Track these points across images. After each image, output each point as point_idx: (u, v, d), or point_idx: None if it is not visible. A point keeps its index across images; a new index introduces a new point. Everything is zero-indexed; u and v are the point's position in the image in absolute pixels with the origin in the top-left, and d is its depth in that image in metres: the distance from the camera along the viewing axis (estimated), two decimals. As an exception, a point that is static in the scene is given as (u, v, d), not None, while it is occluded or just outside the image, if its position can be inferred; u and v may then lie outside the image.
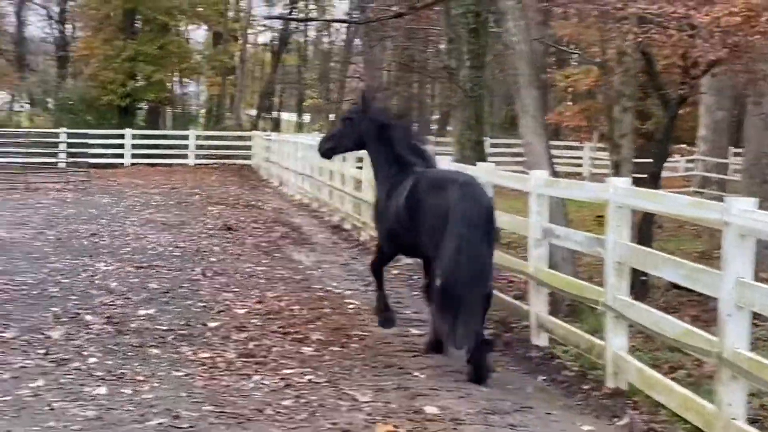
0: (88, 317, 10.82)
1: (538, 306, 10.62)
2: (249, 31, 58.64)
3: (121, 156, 43.07)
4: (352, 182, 21.45)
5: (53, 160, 40.87)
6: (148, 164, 42.31)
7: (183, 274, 14.33)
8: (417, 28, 37.37)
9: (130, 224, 20.84)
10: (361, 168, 19.99)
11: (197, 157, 44.34)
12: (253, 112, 62.85)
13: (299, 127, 64.42)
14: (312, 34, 67.71)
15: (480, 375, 8.93)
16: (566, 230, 10.50)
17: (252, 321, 11.02)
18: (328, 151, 11.53)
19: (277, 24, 61.35)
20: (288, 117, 72.53)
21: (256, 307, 11.85)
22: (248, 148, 45.17)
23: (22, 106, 62.62)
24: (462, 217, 9.10)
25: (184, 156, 44.42)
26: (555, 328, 10.27)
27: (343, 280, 14.78)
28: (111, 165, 40.79)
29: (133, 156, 43.30)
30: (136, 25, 49.48)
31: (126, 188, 31.54)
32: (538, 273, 10.55)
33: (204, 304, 11.93)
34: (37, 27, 65.91)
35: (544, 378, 9.37)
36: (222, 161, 43.86)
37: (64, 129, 42.41)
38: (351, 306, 12.31)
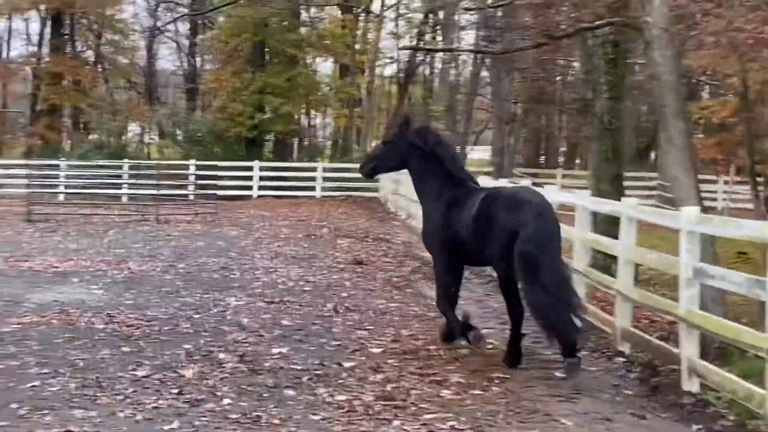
0: (221, 355, 10.55)
1: (689, 350, 10.01)
2: (376, 63, 58.63)
3: (248, 188, 43.26)
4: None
5: (183, 191, 41.24)
6: (275, 196, 42.43)
7: (315, 310, 14.03)
8: (548, 59, 36.88)
9: (259, 257, 20.68)
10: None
11: (324, 189, 44.31)
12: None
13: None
14: (438, 66, 67.54)
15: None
16: (721, 270, 9.87)
17: (388, 361, 10.63)
18: (371, 171, 12.36)
19: (404, 56, 61.36)
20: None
21: (392, 347, 11.46)
22: (375, 180, 44.98)
23: (152, 138, 63.56)
24: (535, 235, 10.11)
25: (311, 188, 44.41)
26: (709, 374, 9.65)
27: (480, 318, 14.29)
28: (239, 197, 40.98)
29: (260, 188, 43.47)
30: (264, 57, 49.77)
31: (254, 220, 31.56)
32: (690, 315, 9.96)
33: (338, 342, 11.58)
34: (167, 60, 67.04)
35: (699, 427, 8.78)
36: (349, 194, 43.75)
37: (194, 161, 42.84)
38: (489, 346, 11.85)
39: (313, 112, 59.10)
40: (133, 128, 63.70)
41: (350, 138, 57.65)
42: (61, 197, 39.89)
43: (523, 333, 10.88)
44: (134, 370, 9.77)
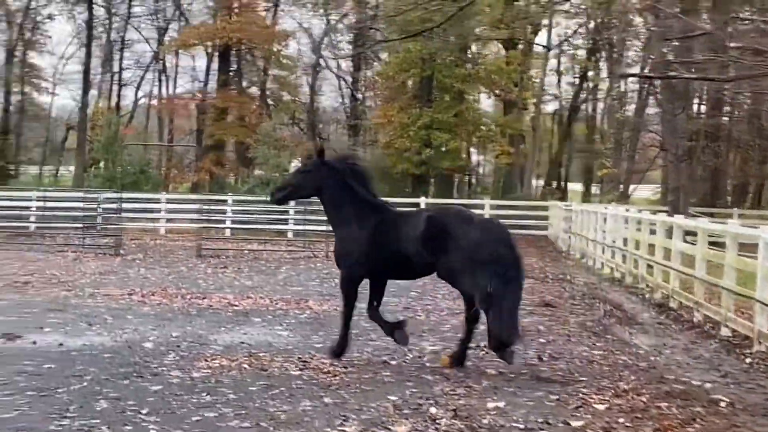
0: (433, 410, 9.55)
1: None
2: (542, 98, 57.56)
3: (413, 225, 42.40)
4: (679, 257, 19.68)
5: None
6: (441, 233, 41.51)
7: (516, 357, 12.96)
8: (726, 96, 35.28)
9: (441, 297, 19.75)
10: (691, 243, 18.27)
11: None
12: (540, 181, 61.56)
13: (586, 197, 62.57)
14: (601, 104, 66.04)
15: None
16: None
17: (619, 420, 9.47)
18: (282, 198, 13.16)
19: (567, 93, 60.28)
20: (574, 187, 70.78)
21: (617, 402, 10.29)
22: (544, 218, 43.81)
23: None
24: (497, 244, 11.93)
25: (478, 225, 43.37)
26: None
27: (692, 368, 13.05)
28: (405, 234, 40.13)
29: (428, 225, 42.60)
30: (431, 93, 49.11)
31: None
32: None
33: (556, 396, 10.47)
34: (329, 97, 67.06)
35: None
36: (517, 231, 42.59)
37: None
38: (722, 403, 10.60)
39: (476, 148, 58.30)
40: (296, 164, 63.78)
41: (513, 175, 56.56)
42: (228, 232, 39.81)
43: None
44: (341, 425, 8.84)
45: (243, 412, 9.21)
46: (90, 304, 17.02)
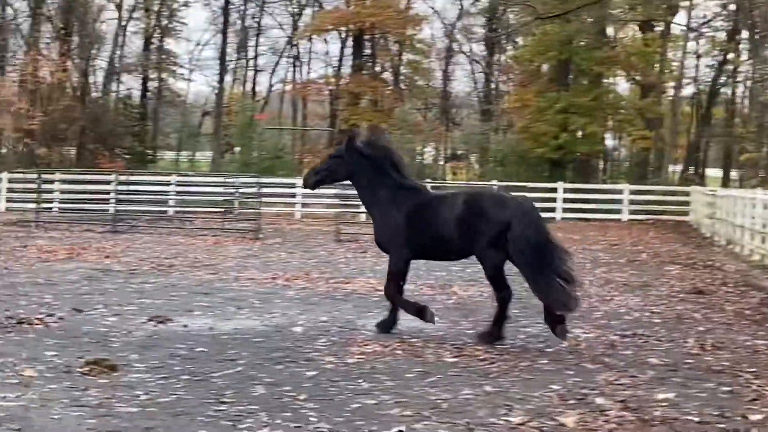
0: (599, 400, 9.11)
1: None
2: (680, 81, 56.14)
3: (551, 210, 41.81)
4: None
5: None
6: (579, 219, 40.88)
7: (676, 346, 12.44)
8: None
9: (588, 284, 19.20)
10: None
11: (630, 212, 42.42)
12: (677, 166, 60.17)
13: (725, 183, 60.95)
14: (742, 87, 64.19)
15: None
16: None
17: (801, 415, 8.91)
18: (315, 183, 13.39)
19: (705, 76, 58.79)
20: (713, 172, 69.04)
21: (795, 396, 9.71)
22: (684, 203, 42.76)
23: (446, 160, 63.17)
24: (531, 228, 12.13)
25: (617, 211, 42.60)
26: None
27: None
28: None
29: (564, 210, 42.01)
30: (568, 76, 48.29)
31: (565, 244, 30.06)
32: None
33: (727, 387, 9.92)
34: (462, 81, 66.63)
35: None
36: (657, 217, 41.70)
37: (496, 182, 41.76)
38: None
39: (613, 133, 57.22)
40: (429, 149, 63.50)
41: (650, 160, 55.36)
42: (362, 217, 39.67)
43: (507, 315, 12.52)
44: (506, 415, 8.46)
45: (402, 399, 8.89)
46: (235, 287, 16.94)
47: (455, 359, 10.98)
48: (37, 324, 12.20)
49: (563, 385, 9.72)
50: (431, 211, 12.59)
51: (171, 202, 40.91)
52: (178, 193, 40.53)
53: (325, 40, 63.05)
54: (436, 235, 12.52)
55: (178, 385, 9.19)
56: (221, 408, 8.39)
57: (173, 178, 43.27)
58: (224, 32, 61.63)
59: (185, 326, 12.63)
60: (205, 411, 8.27)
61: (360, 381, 9.63)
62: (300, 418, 8.17)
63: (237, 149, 58.67)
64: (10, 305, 13.68)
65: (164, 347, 11.07)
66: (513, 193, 14.23)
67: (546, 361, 11.02)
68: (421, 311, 12.70)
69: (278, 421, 8.01)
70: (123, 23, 62.76)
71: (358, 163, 12.86)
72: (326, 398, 8.88)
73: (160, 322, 12.72)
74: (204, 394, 8.85)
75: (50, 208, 38.40)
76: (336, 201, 36.52)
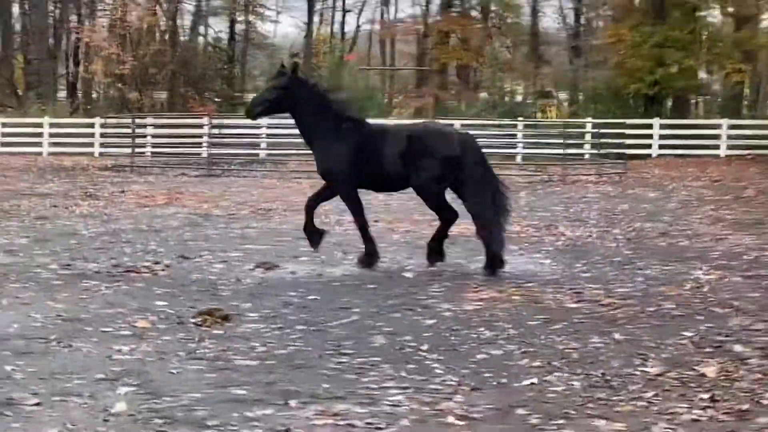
0: (737, 347, 8.61)
1: None
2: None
3: (647, 147, 40.97)
4: None
5: (578, 151, 39.64)
6: (675, 155, 40.04)
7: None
8: None
9: (698, 223, 18.64)
10: None
11: (728, 147, 41.41)
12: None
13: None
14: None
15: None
16: None
17: None
18: (258, 114, 13.64)
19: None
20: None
21: None
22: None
23: (536, 98, 62.28)
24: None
25: (714, 147, 41.61)
26: None
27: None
28: (636, 156, 38.70)
29: (660, 147, 41.14)
30: (663, 9, 47.04)
31: (664, 181, 29.47)
32: None
33: None
34: (551, 18, 65.49)
35: None
36: (756, 152, 40.65)
37: (590, 119, 40.97)
38: None
39: (710, 67, 55.82)
40: (519, 87, 62.66)
41: (744, 94, 53.99)
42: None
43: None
44: (641, 365, 8.00)
45: (530, 349, 8.46)
46: (338, 231, 16.60)
47: (576, 305, 10.53)
48: (144, 272, 11.98)
49: (696, 331, 9.22)
50: (376, 144, 12.90)
51: (263, 145, 40.86)
52: (270, 135, 40.43)
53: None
54: (380, 169, 12.86)
55: (295, 336, 8.86)
56: (342, 360, 8.04)
57: (265, 121, 43.15)
58: (312, -28, 61.17)
59: (293, 273, 12.32)
60: (326, 364, 7.93)
61: (481, 329, 9.23)
62: (425, 370, 7.79)
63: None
64: (116, 253, 13.51)
65: (275, 295, 10.76)
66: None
67: (672, 306, 10.50)
68: (369, 255, 13.04)
69: (403, 374, 7.64)
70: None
71: (301, 94, 12.97)
72: (449, 348, 8.49)
73: (268, 269, 12.43)
74: (322, 345, 8.52)
75: (143, 153, 38.52)
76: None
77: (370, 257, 13.03)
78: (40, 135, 42.79)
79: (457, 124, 40.41)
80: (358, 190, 13.34)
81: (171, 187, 25.03)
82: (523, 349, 8.47)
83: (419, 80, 58.18)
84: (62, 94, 61.12)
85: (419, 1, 61.98)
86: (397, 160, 12.65)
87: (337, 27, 67.01)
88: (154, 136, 40.81)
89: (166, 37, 56.15)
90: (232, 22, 64.44)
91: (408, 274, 12.38)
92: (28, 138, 42.47)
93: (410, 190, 13.36)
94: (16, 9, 60.99)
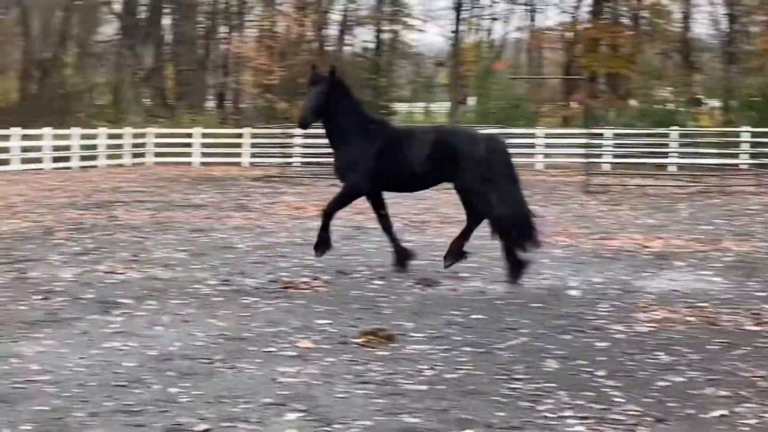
0: None
1: None
2: None
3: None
4: None
5: (734, 161, 38.45)
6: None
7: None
8: None
9: None
10: None
11: None
12: None
13: None
14: None
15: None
16: None
17: None
18: (312, 121, 13.56)
19: None
20: None
21: None
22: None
23: (688, 105, 60.80)
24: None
25: None
26: None
27: None
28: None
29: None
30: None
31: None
32: None
33: None
34: (703, 24, 63.91)
35: None
36: None
37: (747, 128, 39.68)
38: None
39: None
40: (669, 95, 61.25)
41: None
42: (607, 167, 38.54)
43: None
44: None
45: (714, 377, 7.97)
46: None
47: (757, 327, 9.96)
48: (303, 288, 11.77)
49: None
50: (403, 146, 13.13)
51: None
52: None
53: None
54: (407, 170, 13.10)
55: (463, 359, 8.51)
56: (515, 386, 7.67)
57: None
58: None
59: (454, 290, 11.96)
60: (498, 389, 7.57)
61: (658, 354, 8.74)
62: (603, 398, 7.37)
63: (470, 99, 58.00)
64: (273, 268, 13.35)
65: (438, 314, 10.42)
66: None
67: None
68: (321, 242, 13.43)
69: (580, 402, 7.24)
70: (357, -24, 62.75)
71: (339, 97, 13.33)
72: (627, 375, 8.04)
73: (428, 285, 12.10)
74: (492, 369, 8.15)
75: (291, 163, 38.67)
76: (581, 150, 35.39)
77: (323, 244, 13.44)
78: (190, 145, 43.33)
79: (609, 133, 39.83)
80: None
81: (323, 199, 24.88)
82: (706, 377, 7.97)
83: (568, 88, 57.32)
84: (210, 104, 62.02)
85: (567, 8, 61.15)
86: (426, 161, 12.88)
87: (484, 35, 66.57)
88: (302, 146, 40.93)
89: (315, 47, 56.41)
90: (378, 32, 64.51)
91: (573, 292, 11.92)
92: (179, 148, 43.03)
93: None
94: (166, 20, 62.09)
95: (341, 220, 19.20)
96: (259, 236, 16.95)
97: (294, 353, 8.60)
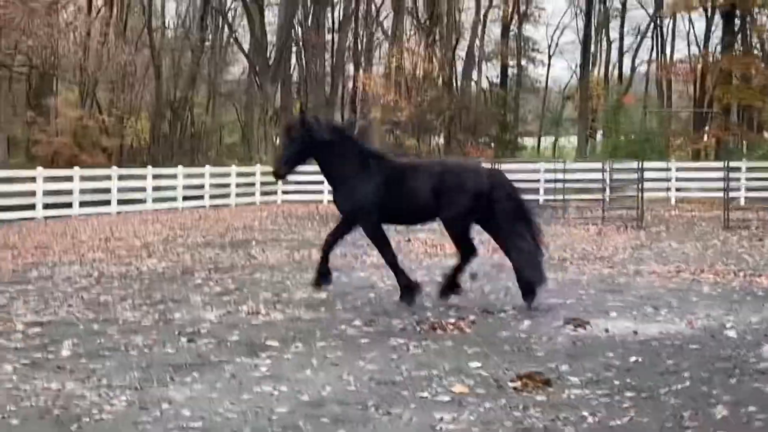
0: None
1: None
2: None
3: None
4: None
5: None
6: None
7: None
8: None
9: None
10: None
11: None
12: None
13: None
14: None
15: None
16: None
17: None
18: (287, 172, 13.79)
19: None
20: None
21: None
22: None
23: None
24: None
25: None
26: None
27: None
28: None
29: None
30: None
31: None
32: None
33: None
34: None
35: None
36: None
37: None
38: None
39: None
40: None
41: None
42: (742, 201, 37.73)
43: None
44: None
45: None
46: (642, 283, 15.74)
47: None
48: (450, 329, 11.49)
49: None
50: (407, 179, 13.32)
51: (540, 191, 40.32)
52: (548, 180, 39.90)
53: (689, 17, 60.67)
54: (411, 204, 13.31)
55: (626, 404, 8.13)
56: (686, 434, 7.29)
57: (542, 165, 42.60)
58: (588, 14, 60.33)
59: (606, 330, 11.54)
60: (667, 437, 7.20)
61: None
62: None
63: (599, 133, 57.34)
64: (416, 308, 13.09)
65: (593, 356, 10.04)
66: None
67: None
68: (407, 288, 13.45)
69: (757, 453, 6.83)
70: (482, 12, 62.71)
71: (321, 141, 13.30)
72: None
73: (578, 326, 11.71)
74: (658, 415, 7.77)
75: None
76: (716, 185, 34.59)
77: (409, 290, 13.41)
78: (321, 182, 43.45)
79: (743, 166, 38.91)
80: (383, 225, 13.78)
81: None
82: None
83: (699, 121, 56.28)
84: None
85: (697, 39, 60.24)
86: (429, 194, 13.10)
87: (611, 68, 65.92)
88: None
89: (440, 82, 56.39)
90: (504, 67, 64.31)
91: (731, 333, 11.41)
92: (308, 185, 43.22)
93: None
94: (294, 59, 62.76)
95: (479, 257, 18.93)
96: (398, 275, 16.70)
97: (449, 398, 8.33)
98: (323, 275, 13.70)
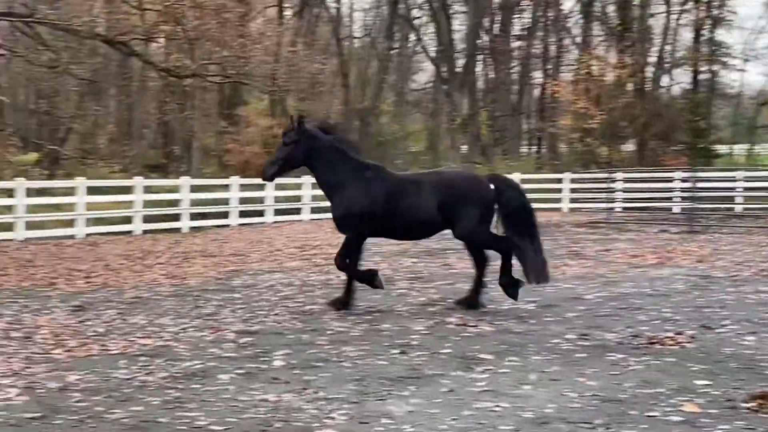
0: None
1: None
2: None
3: None
4: None
5: None
6: None
7: None
8: None
9: None
10: None
11: None
12: None
13: None
14: None
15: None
16: None
17: None
18: (274, 174, 13.70)
19: None
20: None
21: None
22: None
23: None
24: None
25: None
26: None
27: None
28: None
29: None
30: None
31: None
32: None
33: None
34: None
35: None
36: None
37: None
38: None
39: None
40: None
41: None
42: None
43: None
44: None
45: None
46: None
47: None
48: (670, 344, 11.01)
49: None
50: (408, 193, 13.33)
51: (738, 199, 39.12)
52: (746, 188, 38.73)
53: None
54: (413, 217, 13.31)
55: None
56: None
57: (740, 174, 41.33)
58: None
59: None
60: None
61: None
62: None
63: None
64: (630, 321, 12.64)
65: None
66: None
67: None
68: (344, 303, 13.50)
69: None
70: (673, 16, 61.27)
71: (314, 146, 13.36)
72: None
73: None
74: None
75: (612, 208, 37.77)
76: None
77: (342, 304, 13.52)
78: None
79: None
80: (378, 238, 14.24)
81: (657, 245, 23.98)
82: None
83: None
84: (523, 149, 61.84)
85: None
86: (434, 208, 13.18)
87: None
88: (623, 190, 39.99)
89: (632, 89, 55.23)
90: (696, 72, 62.65)
91: None
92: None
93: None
94: (480, 66, 62.52)
95: (684, 268, 18.36)
96: (605, 286, 16.21)
97: (680, 418, 7.92)
98: (370, 279, 13.78)
